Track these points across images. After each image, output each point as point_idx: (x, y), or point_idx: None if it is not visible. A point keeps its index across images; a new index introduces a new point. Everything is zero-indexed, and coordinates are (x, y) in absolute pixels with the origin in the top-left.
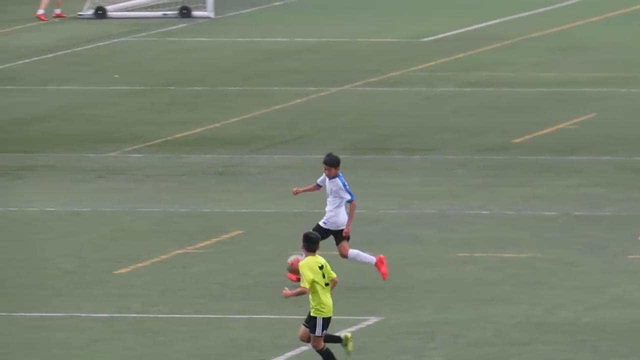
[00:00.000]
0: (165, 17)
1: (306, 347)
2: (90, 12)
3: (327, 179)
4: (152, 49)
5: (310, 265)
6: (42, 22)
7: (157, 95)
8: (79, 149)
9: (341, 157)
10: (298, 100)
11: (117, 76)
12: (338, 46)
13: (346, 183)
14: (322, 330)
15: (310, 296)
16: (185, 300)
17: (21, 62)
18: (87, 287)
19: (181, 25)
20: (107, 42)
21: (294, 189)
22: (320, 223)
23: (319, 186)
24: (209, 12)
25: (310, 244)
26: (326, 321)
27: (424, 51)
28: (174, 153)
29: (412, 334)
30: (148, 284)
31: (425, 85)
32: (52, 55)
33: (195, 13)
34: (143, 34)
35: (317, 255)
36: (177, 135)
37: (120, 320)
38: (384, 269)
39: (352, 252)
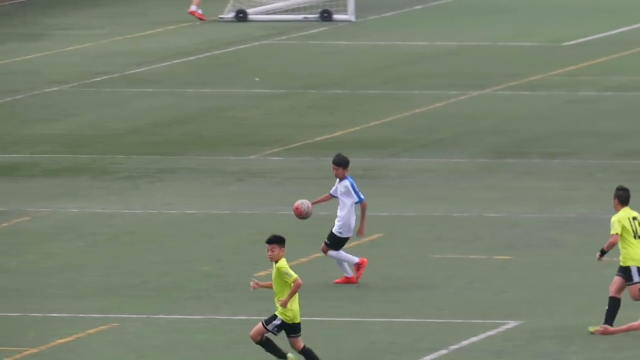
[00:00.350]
0: (306, 20)
1: (445, 351)
2: (232, 15)
3: (337, 182)
4: (293, 53)
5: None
6: (195, 21)
7: (297, 99)
8: (219, 152)
9: (481, 161)
10: (438, 104)
11: (258, 79)
12: (479, 50)
13: (355, 184)
14: (277, 331)
15: (277, 298)
16: (326, 303)
17: (162, 64)
18: (227, 290)
19: (322, 29)
20: (248, 46)
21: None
22: (336, 233)
23: (332, 196)
24: (350, 16)
25: (283, 243)
26: (285, 326)
27: (565, 55)
28: (314, 156)
29: (551, 338)
30: None
31: (566, 90)
32: (193, 58)
33: (336, 17)
34: (284, 37)
35: None
36: (317, 139)
37: (257, 323)
38: (359, 273)
39: (332, 253)
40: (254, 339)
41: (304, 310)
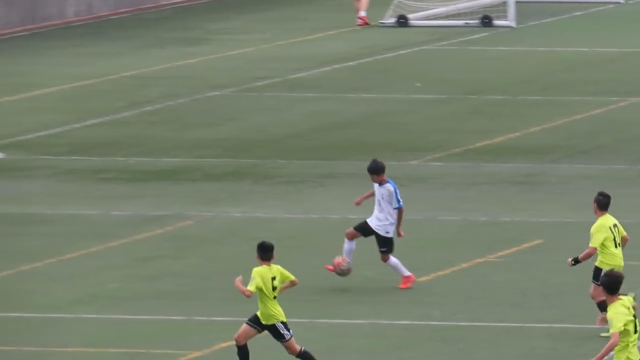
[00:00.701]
0: (467, 26)
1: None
2: (392, 20)
3: (376, 185)
4: (453, 58)
5: (262, 273)
6: (359, 26)
7: (458, 104)
8: (380, 157)
9: None
10: (598, 110)
11: (418, 84)
12: (639, 57)
13: (397, 189)
14: (288, 331)
15: (260, 304)
16: (486, 308)
17: (322, 69)
18: (389, 294)
19: (482, 34)
20: (409, 51)
21: (356, 200)
22: (386, 235)
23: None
24: (510, 22)
25: (265, 252)
26: (284, 323)
27: None
28: (474, 162)
29: None
30: (449, 291)
31: None
32: (353, 63)
33: (496, 22)
34: (444, 42)
35: (271, 266)
36: (478, 144)
37: (422, 327)
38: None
39: (393, 260)
40: (294, 354)
41: (464, 315)
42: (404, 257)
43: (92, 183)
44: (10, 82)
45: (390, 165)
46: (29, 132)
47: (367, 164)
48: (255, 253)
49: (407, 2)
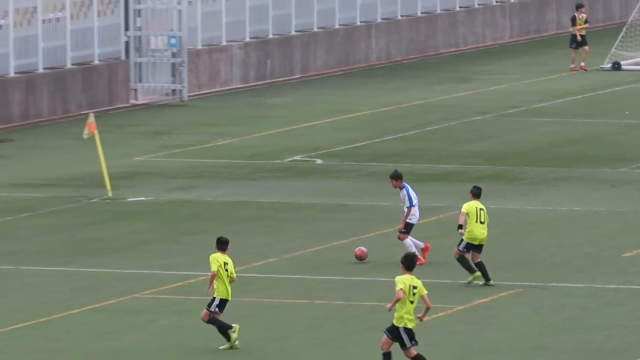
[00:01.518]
0: None
1: None
2: (609, 65)
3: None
4: None
5: (216, 257)
6: (574, 72)
7: None
8: (598, 165)
9: None
10: None
11: (627, 112)
12: None
13: (409, 194)
14: (217, 308)
15: (215, 281)
16: None
17: (558, 101)
18: (601, 266)
19: None
20: (621, 88)
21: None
22: (407, 221)
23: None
24: None
25: (220, 244)
26: (222, 302)
27: None
28: None
29: None
30: None
31: None
32: (579, 96)
33: None
34: None
35: (225, 255)
36: None
37: (625, 290)
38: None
39: (407, 241)
40: (203, 319)
41: None
42: (614, 239)
43: (386, 182)
44: (328, 108)
45: (605, 171)
46: (340, 145)
47: (592, 170)
48: (508, 235)
49: (620, 52)
